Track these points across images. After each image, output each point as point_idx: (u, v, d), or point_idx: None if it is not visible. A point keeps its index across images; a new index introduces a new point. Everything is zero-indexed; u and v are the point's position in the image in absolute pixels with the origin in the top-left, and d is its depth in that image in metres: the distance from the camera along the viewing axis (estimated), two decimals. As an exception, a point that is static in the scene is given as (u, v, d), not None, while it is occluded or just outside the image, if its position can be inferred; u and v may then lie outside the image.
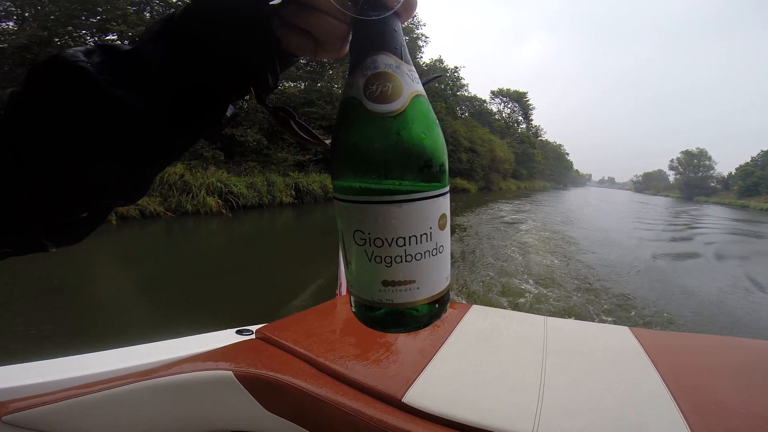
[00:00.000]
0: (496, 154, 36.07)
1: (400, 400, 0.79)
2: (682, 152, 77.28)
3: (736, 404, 0.90)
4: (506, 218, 13.39)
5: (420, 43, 29.05)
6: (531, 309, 4.63)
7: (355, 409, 0.76)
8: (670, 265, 8.04)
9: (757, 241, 13.23)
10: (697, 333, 1.73)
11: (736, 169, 60.33)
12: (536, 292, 5.21)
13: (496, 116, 52.87)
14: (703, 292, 6.11)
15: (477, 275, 5.73)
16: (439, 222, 0.30)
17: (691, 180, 71.70)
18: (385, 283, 0.30)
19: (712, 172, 72.68)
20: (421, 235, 0.29)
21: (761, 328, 4.75)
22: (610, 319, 4.55)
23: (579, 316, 4.53)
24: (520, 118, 56.82)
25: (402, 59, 0.29)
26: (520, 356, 1.03)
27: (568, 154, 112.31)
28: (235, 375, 0.86)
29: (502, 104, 55.81)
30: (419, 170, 0.29)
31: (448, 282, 0.33)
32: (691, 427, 0.77)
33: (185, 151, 0.34)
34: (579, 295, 5.31)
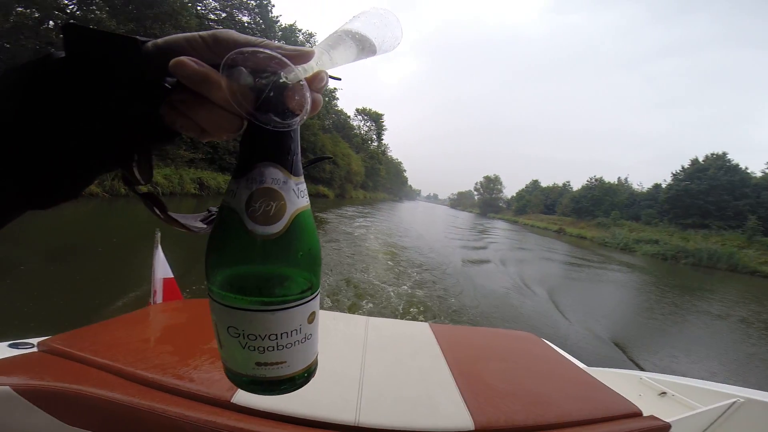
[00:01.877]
0: (352, 167, 41.03)
1: (230, 401, 0.80)
2: (483, 177, 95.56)
3: (498, 384, 1.11)
4: (348, 223, 15.41)
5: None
6: (358, 308, 5.02)
7: (179, 413, 0.74)
8: (473, 269, 9.78)
9: (523, 250, 17.15)
10: (476, 327, 2.23)
11: (515, 194, 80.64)
12: (368, 290, 5.79)
13: (356, 131, 58.68)
14: (494, 290, 7.65)
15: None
16: (308, 318, 0.32)
17: (487, 200, 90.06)
18: (258, 364, 0.31)
19: (501, 194, 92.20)
20: (291, 331, 0.30)
21: (526, 317, 6.21)
22: (422, 316, 5.21)
23: (397, 314, 5.11)
24: (374, 136, 64.33)
25: (292, 172, 0.29)
26: (345, 353, 1.13)
27: (405, 171, 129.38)
28: (15, 390, 0.75)
29: (362, 122, 62.50)
30: (293, 286, 0.30)
31: (316, 354, 0.35)
32: (468, 405, 0.96)
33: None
34: (402, 291, 6.06)
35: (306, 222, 0.30)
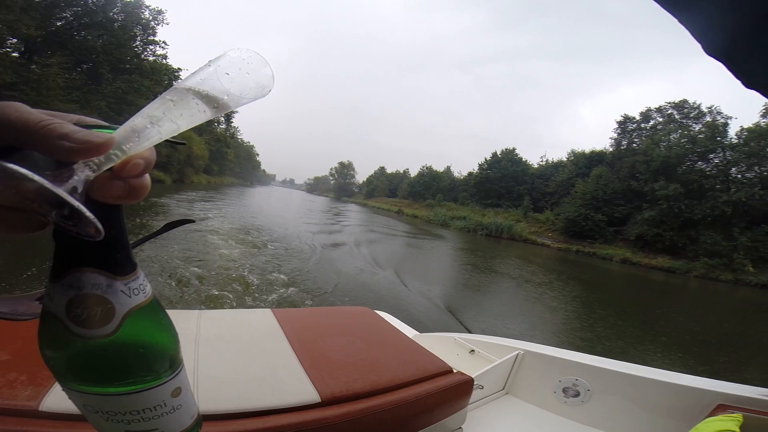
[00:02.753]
0: (194, 151, 37.17)
1: (38, 409, 0.74)
2: (338, 163, 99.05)
3: (338, 357, 1.20)
4: (196, 209, 14.77)
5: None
6: (214, 300, 4.93)
7: None
8: (332, 253, 10.27)
9: (373, 233, 18.55)
10: (318, 307, 2.06)
11: (365, 180, 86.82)
12: (217, 281, 5.68)
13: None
14: (349, 271, 8.15)
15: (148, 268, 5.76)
16: (172, 393, 0.30)
17: (341, 185, 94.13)
18: (128, 430, 0.29)
19: (354, 180, 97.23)
20: (155, 407, 0.29)
21: (380, 295, 6.77)
22: (275, 303, 5.29)
23: (241, 304, 5.06)
24: (222, 118, 58.61)
25: (117, 273, 0.25)
26: None
27: (258, 154, 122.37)
28: None
29: None
30: (143, 376, 0.28)
31: (195, 414, 0.33)
32: (312, 380, 1.03)
33: None
34: (249, 282, 5.96)
35: (146, 317, 0.27)
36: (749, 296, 16.58)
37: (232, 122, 64.16)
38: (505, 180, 40.38)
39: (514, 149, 43.71)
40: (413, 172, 61.72)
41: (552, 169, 38.97)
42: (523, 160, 42.89)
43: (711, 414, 1.39)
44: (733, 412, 1.35)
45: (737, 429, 1.26)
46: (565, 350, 1.88)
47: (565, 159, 38.35)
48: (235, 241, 9.16)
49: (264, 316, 1.46)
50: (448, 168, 56.69)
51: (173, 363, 0.30)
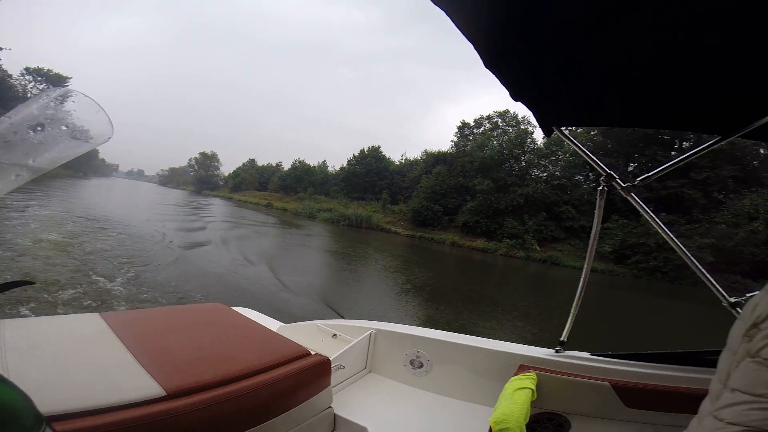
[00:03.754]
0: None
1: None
2: (200, 153, 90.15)
3: (185, 353, 1.20)
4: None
5: None
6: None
7: None
8: (195, 253, 9.90)
9: (240, 228, 18.76)
10: (164, 306, 2.14)
11: (231, 172, 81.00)
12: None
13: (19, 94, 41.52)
14: (216, 271, 7.90)
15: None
16: None
17: (202, 177, 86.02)
18: None
19: (218, 172, 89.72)
20: None
21: (254, 290, 6.90)
22: (124, 306, 5.12)
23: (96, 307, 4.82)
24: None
25: None
26: None
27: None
28: None
29: (33, 84, 44.78)
30: None
31: None
32: (155, 376, 1.01)
33: None
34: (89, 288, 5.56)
35: None
36: (537, 269, 22.16)
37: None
38: (369, 175, 43.70)
39: (378, 147, 47.18)
40: (287, 165, 61.11)
41: (409, 166, 43.89)
42: (387, 157, 46.81)
43: (515, 373, 1.57)
44: (529, 371, 1.54)
45: (533, 386, 1.45)
46: (410, 326, 2.11)
47: (419, 158, 43.87)
48: (62, 245, 8.16)
49: (90, 321, 1.35)
50: (323, 162, 58.16)
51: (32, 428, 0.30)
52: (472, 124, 37.77)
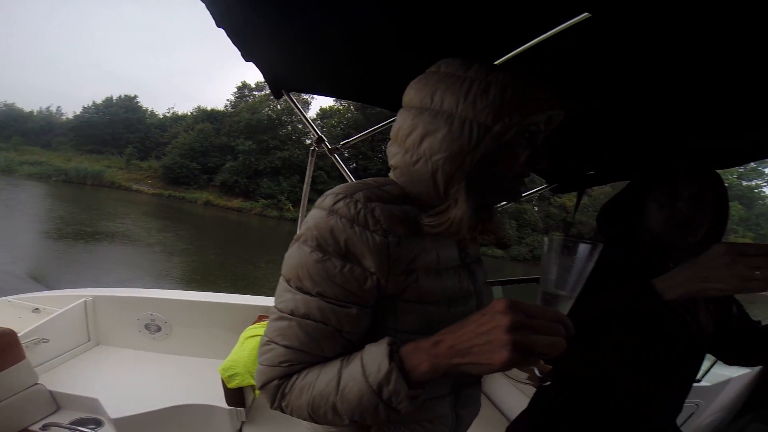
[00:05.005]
0: None
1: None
2: None
3: None
4: None
5: None
6: None
7: None
8: None
9: None
10: None
11: None
12: None
13: None
14: None
15: None
16: None
17: None
18: None
19: None
20: None
21: None
22: None
23: None
24: None
25: None
26: None
27: None
28: None
29: None
30: None
31: None
32: None
33: None
34: None
35: None
36: (291, 228, 23.68)
37: None
38: (113, 126, 36.03)
39: (135, 96, 39.84)
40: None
41: (174, 120, 38.63)
42: (145, 108, 40.28)
43: (254, 323, 1.71)
44: (266, 320, 1.68)
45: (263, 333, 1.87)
46: (139, 289, 2.02)
47: (189, 113, 39.09)
48: None
49: None
50: (46, 108, 44.17)
51: None
52: (254, 86, 36.38)
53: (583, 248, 0.44)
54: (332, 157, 1.50)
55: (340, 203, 0.50)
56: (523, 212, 27.03)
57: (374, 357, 0.46)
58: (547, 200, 28.85)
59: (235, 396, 1.46)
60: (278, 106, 32.91)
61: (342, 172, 1.56)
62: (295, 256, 0.51)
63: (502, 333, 0.38)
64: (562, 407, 0.86)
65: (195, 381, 1.68)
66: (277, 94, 1.30)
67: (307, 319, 0.50)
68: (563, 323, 0.39)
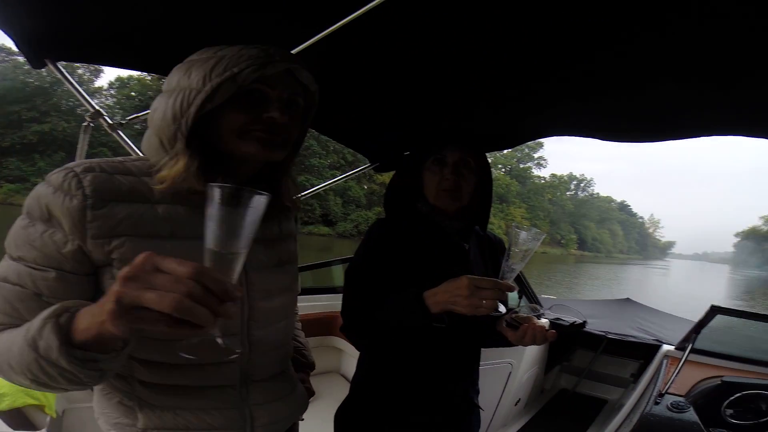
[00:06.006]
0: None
1: None
2: None
3: None
4: None
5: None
6: None
7: None
8: None
9: None
10: None
11: None
12: None
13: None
14: None
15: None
16: None
17: None
18: None
19: None
20: None
21: None
22: None
23: None
24: None
25: None
26: None
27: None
28: None
29: None
30: None
31: None
32: None
33: None
34: None
35: None
36: None
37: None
38: None
39: None
40: None
41: None
42: None
43: None
44: None
45: None
46: None
47: None
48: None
49: None
50: None
51: None
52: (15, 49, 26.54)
53: (257, 199, 0.40)
54: (114, 134, 1.26)
55: (58, 174, 0.53)
56: (348, 189, 27.41)
57: (40, 315, 0.45)
58: (371, 178, 30.07)
59: (17, 419, 1.08)
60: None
61: (130, 151, 1.29)
62: (13, 225, 0.53)
63: (118, 285, 0.36)
64: (376, 388, 0.95)
65: None
66: (37, 63, 1.01)
67: (5, 282, 0.51)
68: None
